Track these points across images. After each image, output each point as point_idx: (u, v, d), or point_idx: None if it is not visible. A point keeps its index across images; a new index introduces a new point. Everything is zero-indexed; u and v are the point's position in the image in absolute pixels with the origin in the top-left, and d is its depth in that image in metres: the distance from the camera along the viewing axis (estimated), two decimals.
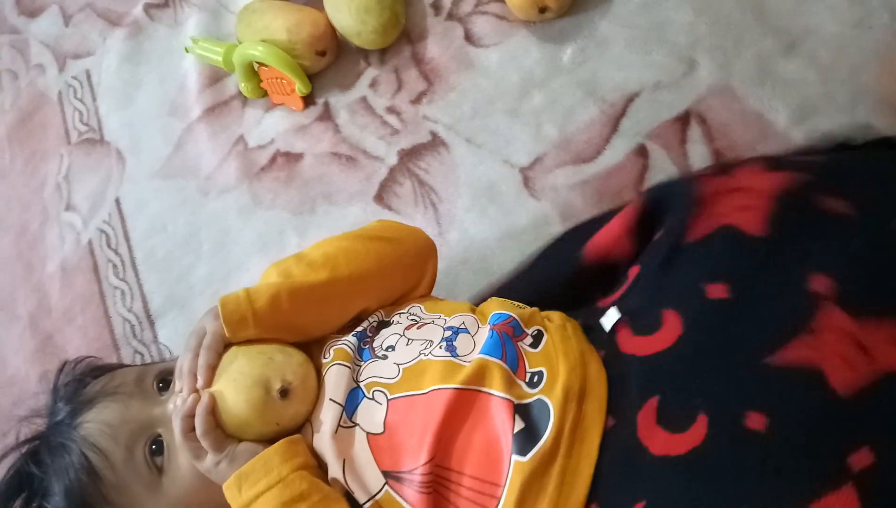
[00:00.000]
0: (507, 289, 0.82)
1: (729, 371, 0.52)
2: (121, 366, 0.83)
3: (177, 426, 0.63)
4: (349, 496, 0.61)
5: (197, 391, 0.65)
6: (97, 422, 0.68)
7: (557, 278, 0.77)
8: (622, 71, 0.88)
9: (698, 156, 0.81)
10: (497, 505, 0.57)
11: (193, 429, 0.62)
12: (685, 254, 0.60)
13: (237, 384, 0.64)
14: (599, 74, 0.89)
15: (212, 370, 0.65)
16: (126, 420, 0.68)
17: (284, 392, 0.62)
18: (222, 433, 0.63)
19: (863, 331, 0.48)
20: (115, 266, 1.09)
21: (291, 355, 0.66)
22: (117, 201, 1.13)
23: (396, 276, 0.75)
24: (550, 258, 0.83)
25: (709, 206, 0.60)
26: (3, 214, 1.24)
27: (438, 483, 0.59)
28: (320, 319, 0.70)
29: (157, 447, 0.68)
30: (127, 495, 0.67)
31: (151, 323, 1.03)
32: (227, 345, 0.67)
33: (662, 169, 0.82)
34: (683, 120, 0.83)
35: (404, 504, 0.59)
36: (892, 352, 0.47)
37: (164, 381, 0.71)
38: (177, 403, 0.65)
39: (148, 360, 1.00)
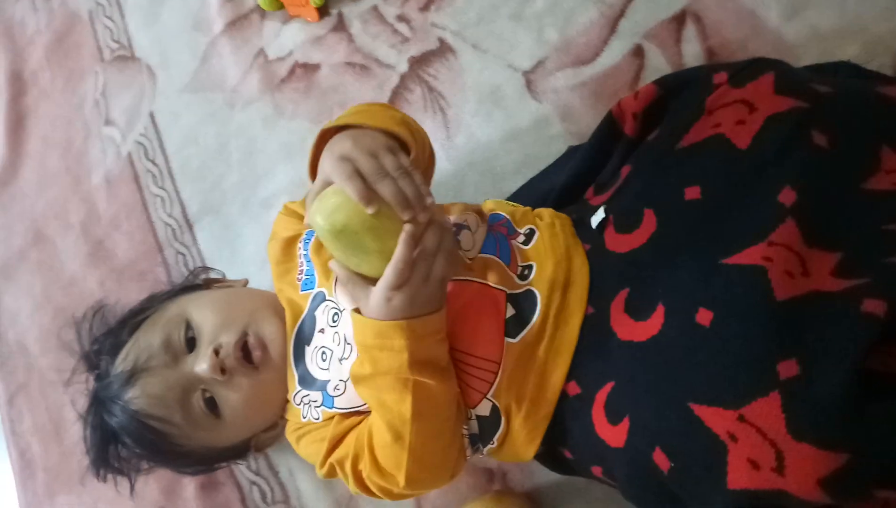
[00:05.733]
0: (512, 198, 0.88)
1: (689, 268, 0.58)
2: (136, 312, 0.84)
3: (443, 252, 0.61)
4: None
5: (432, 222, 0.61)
6: (144, 397, 0.74)
7: (558, 182, 0.82)
8: None
9: (692, 55, 0.84)
10: (494, 380, 0.66)
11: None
12: (675, 158, 0.65)
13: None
14: None
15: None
16: (170, 388, 0.74)
17: None
18: None
19: (809, 254, 0.53)
20: (153, 176, 1.17)
21: None
22: (151, 115, 1.21)
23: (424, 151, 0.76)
24: (550, 171, 0.87)
25: (710, 115, 0.63)
26: (49, 131, 1.32)
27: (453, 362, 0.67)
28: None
29: (208, 401, 0.74)
30: (195, 439, 0.76)
31: (190, 227, 1.12)
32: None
33: (657, 69, 0.85)
34: (679, 19, 0.86)
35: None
36: (825, 278, 0.52)
37: (189, 340, 0.75)
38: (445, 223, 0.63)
39: (190, 261, 1.10)
